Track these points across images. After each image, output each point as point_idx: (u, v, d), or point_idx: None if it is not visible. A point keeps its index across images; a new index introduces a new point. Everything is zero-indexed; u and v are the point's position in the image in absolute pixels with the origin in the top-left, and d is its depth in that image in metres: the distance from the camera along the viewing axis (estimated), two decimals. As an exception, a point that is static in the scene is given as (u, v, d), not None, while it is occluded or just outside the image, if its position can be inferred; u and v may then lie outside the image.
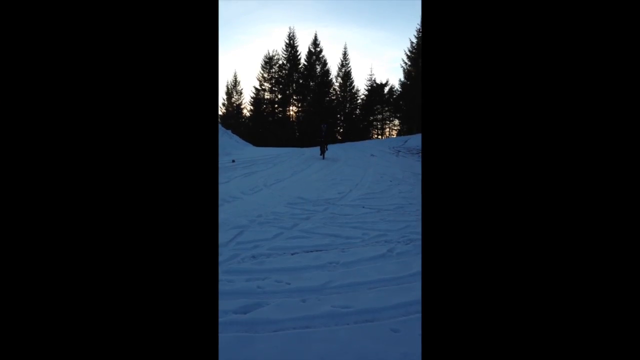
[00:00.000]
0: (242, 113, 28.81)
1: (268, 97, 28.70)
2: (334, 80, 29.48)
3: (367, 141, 22.04)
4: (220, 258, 3.23)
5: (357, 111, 30.62)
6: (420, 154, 12.66)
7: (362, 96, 31.38)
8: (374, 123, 31.51)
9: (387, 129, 32.06)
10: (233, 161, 9.79)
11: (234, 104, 29.08)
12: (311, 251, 3.39)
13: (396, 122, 31.68)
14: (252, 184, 7.02)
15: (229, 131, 19.81)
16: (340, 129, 29.67)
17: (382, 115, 31.19)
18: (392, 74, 75.60)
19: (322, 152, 11.94)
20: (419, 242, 3.62)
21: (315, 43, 28.63)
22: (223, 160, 10.02)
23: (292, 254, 3.30)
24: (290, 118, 28.70)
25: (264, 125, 26.89)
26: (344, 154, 13.33)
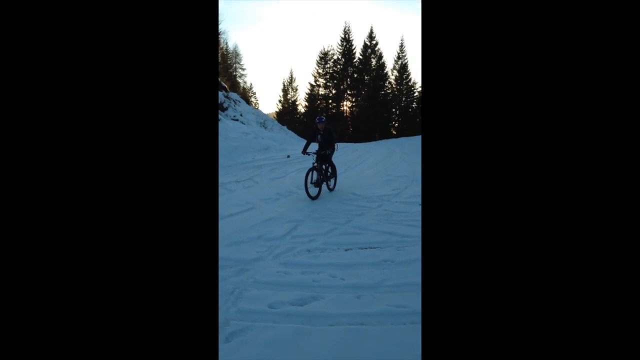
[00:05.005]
0: (297, 109, 29.32)
1: (322, 92, 28.77)
2: (389, 73, 28.62)
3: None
4: (277, 250, 3.35)
5: (414, 105, 29.28)
6: None
7: (419, 89, 30.43)
8: (431, 117, 30.07)
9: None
10: (288, 156, 9.93)
11: (290, 101, 29.67)
12: (365, 248, 3.35)
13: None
14: (306, 179, 7.12)
15: (285, 127, 20.34)
16: (396, 123, 28.84)
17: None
18: (452, 66, 71.40)
19: (310, 181, 5.16)
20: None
21: (370, 36, 28.14)
22: (278, 156, 10.32)
23: (346, 250, 3.30)
24: (344, 113, 28.63)
25: (318, 121, 27.21)
26: (399, 149, 13.02)
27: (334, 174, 5.88)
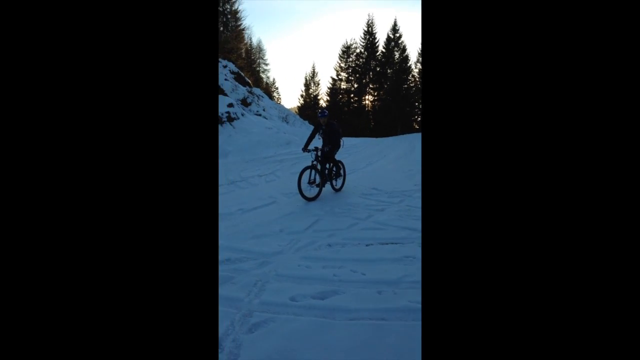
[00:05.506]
0: (319, 104, 29.22)
1: (344, 87, 28.52)
2: (413, 66, 27.84)
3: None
4: (299, 244, 3.39)
5: (437, 99, 28.98)
6: None
7: (443, 83, 29.60)
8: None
9: (471, 118, 29.49)
10: (309, 151, 9.94)
11: (311, 95, 29.61)
12: (386, 243, 3.33)
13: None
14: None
15: (306, 122, 20.40)
16: (419, 117, 28.39)
17: (465, 103, 28.81)
18: (478, 58, 69.07)
19: (307, 181, 4.95)
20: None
21: (394, 29, 27.65)
22: (300, 150, 10.37)
23: (367, 245, 3.29)
24: (365, 107, 28.29)
25: (340, 115, 26.74)
26: (421, 144, 12.76)
27: (339, 173, 5.40)
